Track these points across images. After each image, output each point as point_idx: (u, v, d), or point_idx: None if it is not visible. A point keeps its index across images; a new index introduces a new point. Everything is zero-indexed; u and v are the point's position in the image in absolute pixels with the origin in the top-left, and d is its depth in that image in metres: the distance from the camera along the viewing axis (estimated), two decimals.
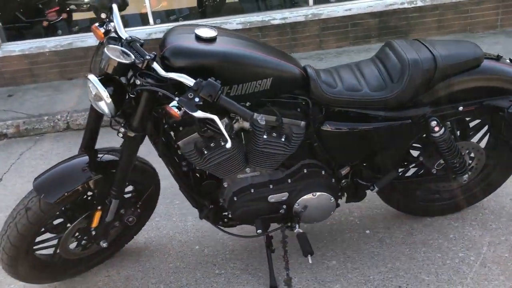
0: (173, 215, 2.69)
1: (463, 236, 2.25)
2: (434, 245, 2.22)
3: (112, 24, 1.81)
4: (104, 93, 1.64)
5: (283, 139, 1.85)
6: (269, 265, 2.13)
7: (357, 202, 2.26)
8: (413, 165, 2.16)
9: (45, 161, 3.55)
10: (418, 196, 2.31)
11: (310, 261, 2.07)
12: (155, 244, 2.46)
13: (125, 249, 2.41)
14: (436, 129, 1.90)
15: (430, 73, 1.82)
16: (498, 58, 1.96)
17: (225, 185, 2.03)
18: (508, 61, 1.98)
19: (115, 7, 1.80)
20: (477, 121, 2.16)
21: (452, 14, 5.28)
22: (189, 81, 1.57)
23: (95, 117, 1.95)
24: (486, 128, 2.20)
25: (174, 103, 1.54)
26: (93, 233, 2.04)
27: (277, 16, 5.26)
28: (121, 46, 1.70)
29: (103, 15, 1.80)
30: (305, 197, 1.98)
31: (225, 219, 2.15)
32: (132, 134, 1.76)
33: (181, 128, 1.86)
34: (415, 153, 2.17)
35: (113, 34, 1.81)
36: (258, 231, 2.00)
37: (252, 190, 1.98)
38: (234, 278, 2.17)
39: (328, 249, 2.27)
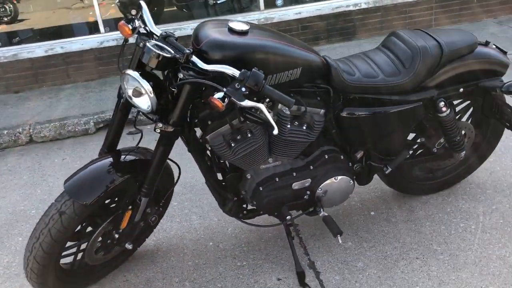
0: (175, 216, 2.68)
1: (458, 209, 2.47)
2: (436, 219, 2.41)
3: (137, 22, 1.81)
4: (148, 87, 1.65)
5: (305, 127, 1.95)
6: (292, 252, 2.20)
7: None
8: (416, 146, 2.34)
9: (15, 175, 3.36)
10: (415, 176, 2.50)
11: (340, 241, 2.18)
12: (166, 245, 2.44)
13: (137, 252, 2.37)
14: (444, 109, 2.09)
15: (437, 58, 2.01)
16: (486, 44, 2.20)
17: (248, 177, 2.08)
18: (493, 46, 2.22)
19: (143, 3, 1.80)
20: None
21: (393, 15, 5.67)
22: (234, 71, 1.62)
23: (121, 117, 1.94)
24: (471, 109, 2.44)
25: (219, 94, 1.58)
26: (117, 235, 2.01)
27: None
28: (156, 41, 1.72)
29: (133, 12, 1.80)
30: (327, 181, 2.08)
31: (245, 211, 2.20)
32: (171, 129, 1.77)
33: (209, 122, 1.89)
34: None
35: (142, 31, 1.81)
36: (288, 217, 2.07)
37: (277, 179, 2.05)
38: (258, 268, 2.22)
39: (352, 235, 2.38)
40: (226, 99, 1.59)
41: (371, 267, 2.14)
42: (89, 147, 3.71)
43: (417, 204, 2.54)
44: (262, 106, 1.62)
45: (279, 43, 1.82)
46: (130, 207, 1.94)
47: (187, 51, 1.67)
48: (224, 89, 1.58)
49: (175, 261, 2.33)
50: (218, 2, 5.81)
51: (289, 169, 2.08)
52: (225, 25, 1.81)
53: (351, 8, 5.53)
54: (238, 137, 1.88)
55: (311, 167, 2.08)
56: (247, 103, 1.59)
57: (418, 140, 2.31)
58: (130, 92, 1.73)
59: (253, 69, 1.58)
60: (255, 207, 2.15)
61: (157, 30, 1.79)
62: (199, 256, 2.35)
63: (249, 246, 2.37)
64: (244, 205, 2.18)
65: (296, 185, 2.08)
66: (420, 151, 2.42)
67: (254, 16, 5.40)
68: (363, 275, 2.10)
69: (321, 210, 2.11)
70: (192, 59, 1.67)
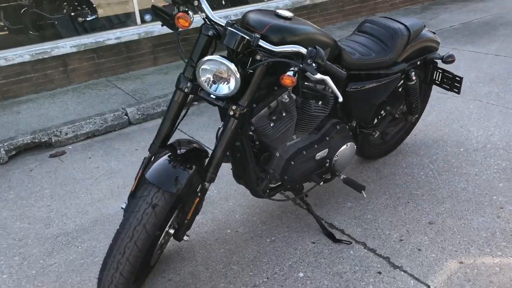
0: None
1: (411, 163, 3.04)
2: (401, 173, 2.94)
3: (191, 13, 1.90)
4: (234, 68, 1.77)
5: (321, 103, 2.27)
6: (315, 218, 2.47)
7: None
8: (383, 113, 2.84)
9: None
10: (374, 142, 3.00)
11: (365, 195, 2.52)
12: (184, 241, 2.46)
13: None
14: (414, 78, 2.62)
15: (407, 37, 2.53)
16: (424, 27, 2.82)
17: (277, 155, 2.28)
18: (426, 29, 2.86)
19: None
20: None
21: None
22: (302, 50, 1.86)
23: (177, 110, 1.97)
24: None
25: (289, 72, 1.81)
26: (172, 231, 2.02)
27: (111, 36, 5.25)
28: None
29: (195, 2, 1.87)
30: (341, 148, 2.42)
31: (268, 190, 2.39)
32: (244, 110, 1.89)
33: (254, 106, 2.06)
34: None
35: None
36: (321, 182, 2.34)
37: (304, 152, 2.31)
38: (288, 239, 2.42)
39: (336, 199, 2.73)
40: (296, 76, 1.81)
41: (379, 216, 2.54)
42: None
43: (379, 166, 3.04)
44: (328, 78, 1.89)
45: (317, 29, 2.09)
46: (199, 194, 1.97)
47: (257, 35, 1.83)
48: (301, 65, 1.80)
49: (206, 252, 2.37)
50: (88, 19, 5.62)
51: (310, 142, 2.35)
52: (272, 12, 2.01)
53: (239, 17, 5.93)
54: (275, 117, 2.09)
55: (327, 138, 2.38)
56: (318, 76, 1.84)
57: (388, 108, 2.80)
58: (205, 77, 1.81)
59: (317, 47, 1.84)
60: (280, 184, 2.36)
61: (219, 19, 1.90)
62: (226, 243, 2.43)
63: (266, 225, 2.55)
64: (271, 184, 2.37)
65: (318, 156, 2.36)
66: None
67: (133, 31, 5.39)
68: (377, 223, 2.49)
69: (341, 174, 2.43)
70: (259, 42, 1.84)
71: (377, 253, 2.26)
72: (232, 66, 1.77)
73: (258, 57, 1.83)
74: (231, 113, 1.88)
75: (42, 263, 2.40)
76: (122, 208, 2.02)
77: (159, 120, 3.93)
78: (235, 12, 6.02)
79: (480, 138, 3.25)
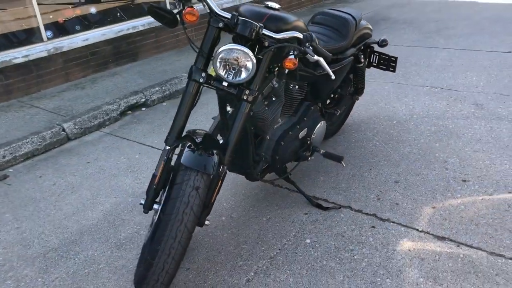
0: None
1: (360, 138, 3.44)
2: (356, 147, 3.31)
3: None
4: (251, 54, 1.94)
5: (297, 87, 2.54)
6: (302, 193, 2.71)
7: None
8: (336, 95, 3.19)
9: None
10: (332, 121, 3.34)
11: (344, 165, 2.81)
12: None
13: None
14: (362, 60, 3.00)
15: (354, 25, 2.91)
16: (361, 18, 3.23)
17: (268, 137, 2.50)
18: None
19: None
20: None
21: (164, 35, 6.34)
22: (300, 35, 2.10)
23: (192, 101, 2.07)
24: None
25: (291, 56, 2.06)
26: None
27: (17, 55, 4.96)
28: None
29: None
30: (317, 127, 2.70)
31: (259, 173, 2.59)
32: (255, 94, 2.07)
33: None
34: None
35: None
36: (309, 158, 2.59)
37: (290, 133, 2.55)
38: (283, 215, 2.63)
39: (308, 176, 3.00)
40: (296, 59, 2.06)
41: (351, 184, 2.87)
42: None
43: (332, 145, 3.39)
44: (321, 59, 2.15)
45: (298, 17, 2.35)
46: (221, 177, 2.09)
47: (261, 24, 2.03)
48: (302, 48, 2.05)
49: (211, 239, 2.48)
50: None
51: (293, 124, 2.60)
52: (263, 5, 2.22)
53: (131, 31, 5.91)
54: (267, 102, 2.31)
55: (305, 119, 2.65)
56: (315, 57, 2.10)
57: (338, 90, 3.15)
58: (222, 65, 1.96)
59: (311, 33, 2.10)
60: (267, 166, 2.56)
61: (224, 12, 2.05)
62: (226, 228, 2.56)
63: (257, 207, 2.72)
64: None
65: (301, 135, 2.61)
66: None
67: (40, 48, 5.15)
68: (352, 189, 2.81)
69: (320, 149, 2.71)
70: (263, 31, 2.05)
71: (364, 212, 2.58)
72: (250, 52, 1.94)
73: (266, 43, 2.02)
74: (245, 97, 2.04)
75: (42, 280, 2.30)
76: (140, 203, 2.07)
77: (99, 133, 3.88)
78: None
79: (405, 111, 3.78)
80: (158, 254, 1.79)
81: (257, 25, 1.95)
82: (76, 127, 3.94)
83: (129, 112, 4.39)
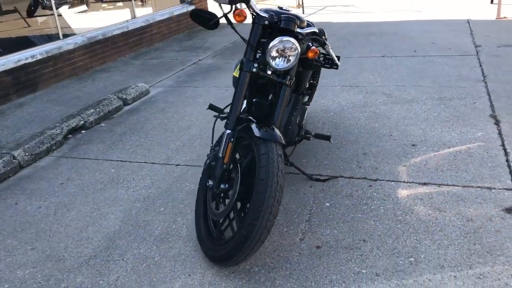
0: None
1: (313, 127, 4.01)
2: (316, 131, 3.87)
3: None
4: (297, 43, 2.36)
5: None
6: (301, 171, 3.15)
7: None
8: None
9: None
10: None
11: (332, 142, 3.31)
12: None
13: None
14: (321, 59, 3.59)
15: None
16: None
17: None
18: None
19: None
20: None
21: (61, 63, 6.18)
22: (316, 30, 2.60)
23: (246, 89, 2.38)
24: None
25: (313, 46, 2.56)
26: None
27: None
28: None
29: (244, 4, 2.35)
30: (306, 113, 3.19)
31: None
32: (293, 79, 2.48)
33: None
34: None
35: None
36: (310, 138, 3.05)
37: (292, 119, 2.99)
38: (292, 192, 3.02)
39: (292, 160, 3.46)
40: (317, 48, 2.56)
41: (331, 161, 3.40)
42: None
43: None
44: (330, 49, 2.68)
45: None
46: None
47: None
48: (322, 40, 2.55)
49: None
50: None
51: (291, 111, 3.05)
52: (279, 8, 2.65)
53: (30, 60, 5.67)
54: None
55: (297, 107, 3.12)
56: (329, 47, 2.62)
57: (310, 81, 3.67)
58: (275, 54, 2.34)
59: (321, 28, 2.63)
60: None
61: (264, 13, 2.42)
62: None
63: None
64: None
65: (298, 120, 3.07)
66: None
67: None
68: (335, 163, 3.34)
69: (311, 131, 3.19)
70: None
71: (356, 177, 3.12)
72: (296, 42, 2.35)
73: (300, 37, 2.46)
74: (287, 82, 2.44)
75: (103, 282, 2.34)
76: (209, 185, 2.32)
77: (50, 158, 3.80)
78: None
79: (335, 105, 4.48)
80: (260, 215, 2.06)
81: (297, 20, 2.38)
82: (27, 154, 3.76)
83: (70, 135, 4.29)
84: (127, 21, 7.64)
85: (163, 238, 2.64)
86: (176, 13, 8.67)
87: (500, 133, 3.53)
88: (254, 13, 2.40)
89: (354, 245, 2.43)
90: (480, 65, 5.27)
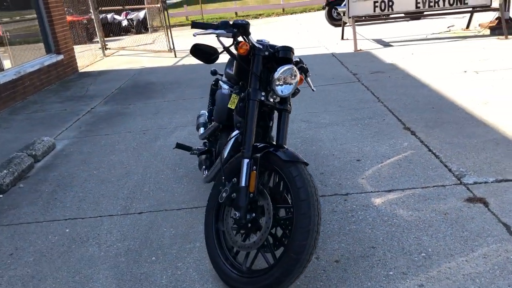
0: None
1: None
2: None
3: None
4: (298, 71, 2.51)
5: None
6: None
7: None
8: None
9: None
10: None
11: None
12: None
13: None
14: None
15: None
16: None
17: None
18: None
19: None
20: None
21: None
22: (298, 59, 2.79)
23: (256, 118, 2.43)
24: None
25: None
26: None
27: None
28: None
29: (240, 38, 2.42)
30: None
31: None
32: (291, 105, 2.60)
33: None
34: None
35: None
36: None
37: None
38: None
39: None
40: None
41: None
42: None
43: None
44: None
45: None
46: None
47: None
48: (305, 67, 2.75)
49: None
50: None
51: None
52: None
53: None
54: None
55: None
56: (309, 74, 2.83)
57: None
58: (284, 80, 2.44)
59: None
60: None
61: (259, 45, 2.50)
62: None
63: None
64: None
65: None
66: None
67: None
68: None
69: None
70: None
71: (328, 195, 3.31)
72: (297, 69, 2.49)
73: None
74: (288, 108, 2.56)
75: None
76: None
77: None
78: None
79: None
80: (309, 230, 2.11)
81: (292, 49, 2.53)
82: None
83: (1, 195, 3.75)
84: None
85: (176, 285, 2.48)
86: (46, 63, 8.09)
87: (421, 141, 4.08)
88: (254, 47, 2.48)
89: (367, 253, 2.60)
90: (368, 89, 5.99)
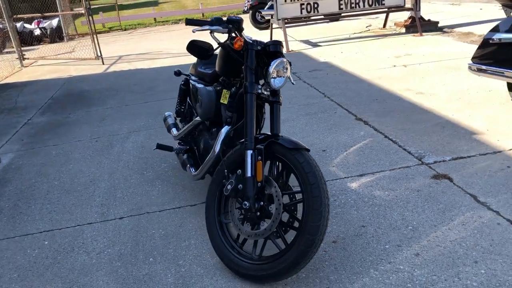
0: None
1: None
2: None
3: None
4: (289, 63, 2.62)
5: None
6: None
7: None
8: None
9: None
10: None
11: None
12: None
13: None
14: None
15: None
16: None
17: None
18: None
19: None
20: None
21: None
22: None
23: (256, 110, 2.51)
24: None
25: None
26: None
27: None
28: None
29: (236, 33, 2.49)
30: None
31: None
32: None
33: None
34: None
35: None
36: None
37: None
38: None
39: None
40: None
41: None
42: None
43: None
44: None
45: None
46: None
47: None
48: (289, 61, 2.88)
49: None
50: None
51: None
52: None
53: None
54: None
55: None
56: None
57: None
58: (277, 74, 2.54)
59: None
60: None
61: (251, 41, 2.58)
62: None
63: None
64: None
65: None
66: None
67: None
68: None
69: None
70: None
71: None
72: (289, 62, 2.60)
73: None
74: (280, 100, 2.66)
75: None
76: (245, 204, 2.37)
77: None
78: None
79: None
80: (321, 210, 2.23)
81: (281, 43, 2.64)
82: None
83: None
84: None
85: (184, 282, 2.49)
86: None
87: (376, 129, 4.38)
88: (246, 42, 2.55)
89: (360, 231, 2.77)
90: (311, 86, 6.26)
